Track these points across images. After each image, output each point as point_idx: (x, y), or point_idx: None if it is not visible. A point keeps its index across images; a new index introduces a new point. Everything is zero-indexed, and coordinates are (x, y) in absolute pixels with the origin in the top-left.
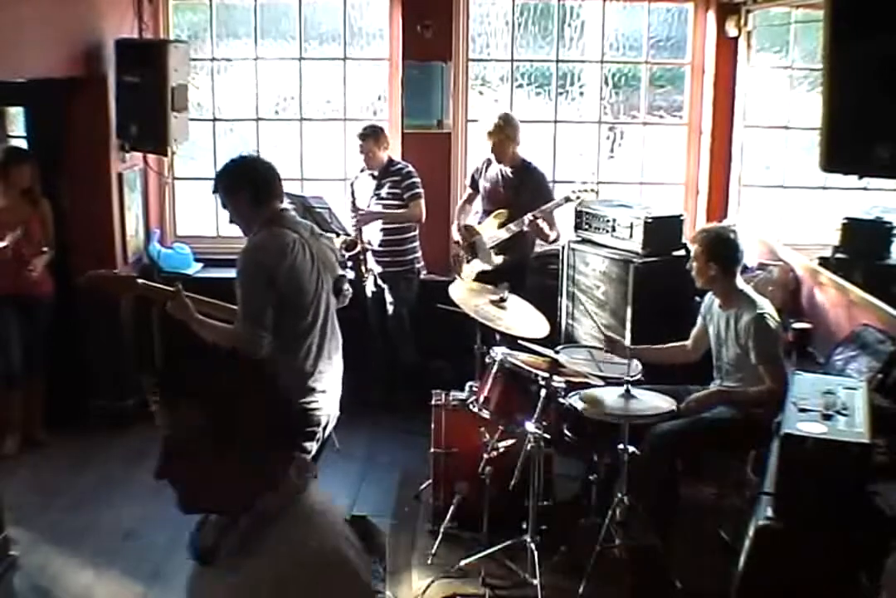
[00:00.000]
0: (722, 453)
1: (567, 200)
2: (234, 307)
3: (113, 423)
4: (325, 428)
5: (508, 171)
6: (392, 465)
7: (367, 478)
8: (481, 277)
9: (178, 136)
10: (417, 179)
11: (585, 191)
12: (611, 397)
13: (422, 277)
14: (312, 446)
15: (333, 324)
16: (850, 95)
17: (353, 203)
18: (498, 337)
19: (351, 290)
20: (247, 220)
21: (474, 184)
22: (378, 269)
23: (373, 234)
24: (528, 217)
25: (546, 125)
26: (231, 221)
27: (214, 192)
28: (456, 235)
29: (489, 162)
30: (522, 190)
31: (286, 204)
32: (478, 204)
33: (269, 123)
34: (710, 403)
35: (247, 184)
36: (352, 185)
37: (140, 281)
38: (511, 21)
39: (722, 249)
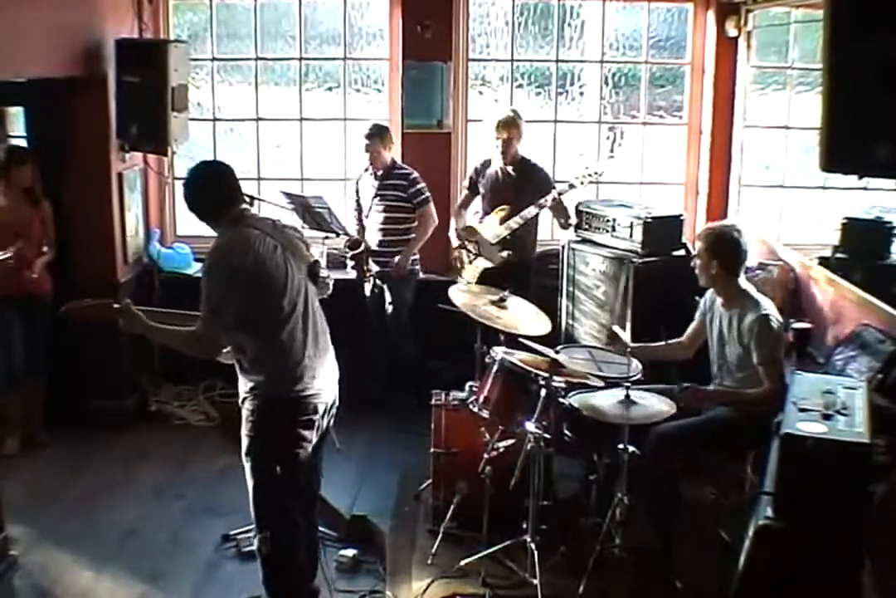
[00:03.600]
0: (722, 453)
1: (571, 186)
2: (193, 313)
3: (113, 423)
4: (322, 415)
5: (509, 169)
6: (392, 465)
7: (367, 478)
8: (485, 277)
9: (178, 136)
10: (424, 185)
11: (590, 175)
12: (610, 402)
13: (420, 276)
14: (312, 435)
15: (315, 311)
16: (850, 95)
17: (358, 202)
18: (502, 337)
19: (332, 277)
20: (212, 222)
21: (473, 186)
22: (377, 268)
23: (372, 234)
24: (550, 196)
25: (546, 125)
26: (201, 220)
27: (184, 197)
28: (455, 240)
29: (487, 163)
30: (524, 186)
31: (282, 202)
32: (477, 205)
33: (269, 123)
34: (709, 399)
35: (207, 191)
36: (357, 183)
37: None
38: (511, 21)
39: (725, 247)
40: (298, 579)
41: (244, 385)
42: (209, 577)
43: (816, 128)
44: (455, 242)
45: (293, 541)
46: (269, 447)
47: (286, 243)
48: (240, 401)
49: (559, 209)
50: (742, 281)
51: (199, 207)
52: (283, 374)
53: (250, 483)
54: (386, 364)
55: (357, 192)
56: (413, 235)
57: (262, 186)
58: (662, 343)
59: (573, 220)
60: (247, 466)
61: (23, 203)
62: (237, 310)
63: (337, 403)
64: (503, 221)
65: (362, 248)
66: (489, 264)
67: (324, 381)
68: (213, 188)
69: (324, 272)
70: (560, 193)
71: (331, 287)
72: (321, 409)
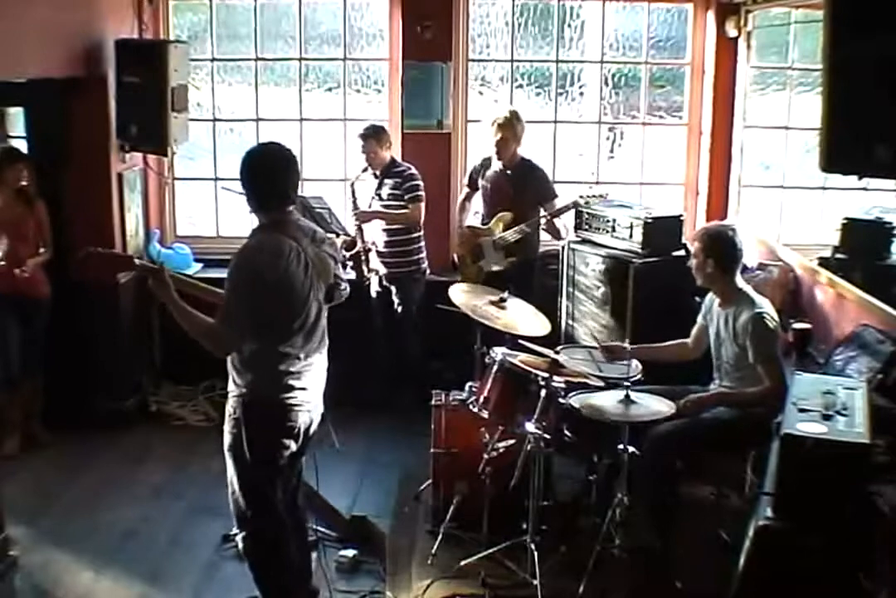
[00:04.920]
0: (722, 453)
1: (575, 205)
2: (221, 291)
3: (113, 423)
4: (307, 427)
5: (509, 169)
6: (392, 465)
7: (367, 478)
8: (489, 278)
9: (178, 136)
10: (419, 182)
11: (594, 196)
12: (610, 402)
13: (427, 275)
14: (292, 443)
15: (320, 327)
16: (850, 95)
17: (354, 203)
18: (507, 337)
19: (348, 289)
20: (251, 207)
21: (472, 183)
22: (384, 270)
23: (377, 235)
24: (543, 219)
25: (546, 125)
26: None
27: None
28: (459, 237)
29: (488, 162)
30: (524, 188)
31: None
32: (477, 203)
33: (269, 123)
34: (708, 403)
35: (261, 180)
36: (352, 185)
37: (139, 262)
38: (511, 21)
39: (721, 246)
40: (290, 578)
41: (233, 381)
42: (209, 577)
43: (816, 128)
44: (460, 236)
45: (277, 538)
46: (248, 447)
47: (317, 262)
48: (228, 391)
49: (551, 230)
50: (738, 280)
51: (244, 186)
52: (272, 379)
53: (233, 480)
54: (390, 365)
55: (353, 193)
56: (417, 234)
57: None
58: (664, 344)
59: (565, 238)
60: (229, 462)
61: (17, 204)
62: (250, 314)
63: (321, 412)
64: (507, 227)
65: (358, 248)
66: (493, 268)
67: (311, 394)
68: (263, 182)
69: (343, 284)
70: (552, 217)
71: (343, 297)
72: (304, 419)
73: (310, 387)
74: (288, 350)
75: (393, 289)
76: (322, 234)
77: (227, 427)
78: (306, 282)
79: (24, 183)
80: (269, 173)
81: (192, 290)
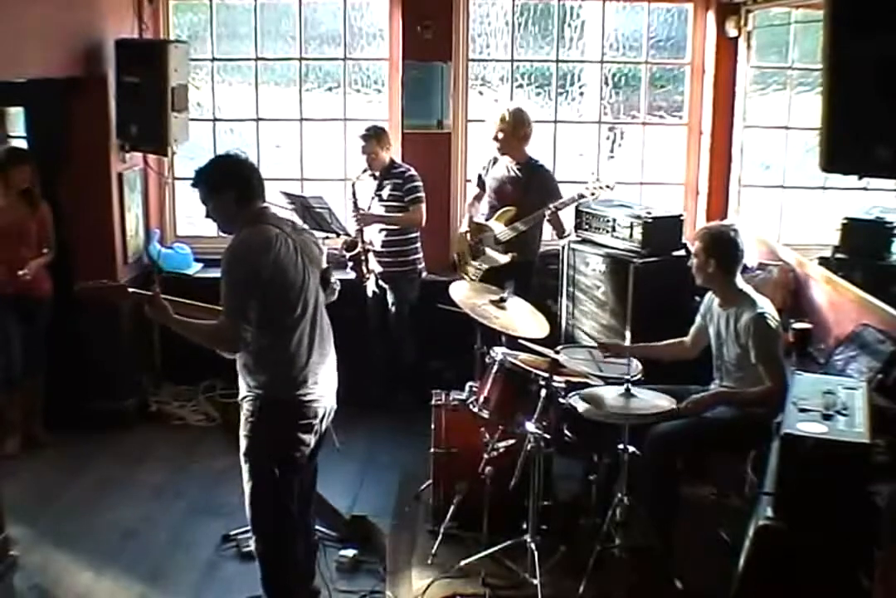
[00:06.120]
0: (722, 453)
1: (581, 196)
2: (216, 307)
3: (113, 423)
4: (321, 420)
5: (516, 168)
6: (392, 465)
7: (367, 478)
8: (488, 276)
9: (178, 136)
10: (419, 183)
11: (600, 188)
12: (611, 395)
13: (423, 277)
14: (310, 439)
15: (323, 316)
16: (850, 95)
17: (355, 204)
18: (503, 339)
19: (339, 283)
20: (228, 218)
21: (480, 183)
22: (380, 269)
23: (375, 235)
24: (548, 210)
25: (546, 125)
26: (207, 217)
27: (194, 186)
28: (464, 227)
29: (495, 160)
30: (530, 188)
31: (282, 202)
32: (483, 202)
33: (269, 123)
34: (709, 403)
35: (234, 184)
36: (353, 185)
37: (131, 290)
38: (511, 21)
39: (722, 246)
40: (296, 579)
41: (246, 385)
42: (209, 577)
43: (816, 128)
44: (463, 228)
45: (290, 542)
46: (268, 449)
47: (303, 247)
48: (240, 399)
49: (555, 222)
50: (739, 280)
51: (225, 194)
52: (287, 376)
53: (248, 485)
54: (386, 364)
55: (354, 193)
56: (414, 235)
57: None
58: (661, 343)
59: (568, 233)
60: (244, 467)
61: (21, 205)
62: (256, 305)
63: (335, 408)
64: (509, 222)
65: (359, 249)
66: (492, 264)
67: (325, 387)
68: (244, 177)
69: (332, 278)
70: (557, 209)
71: (337, 293)
72: (321, 413)
73: (322, 380)
74: (298, 340)
75: (388, 289)
76: (300, 224)
77: (244, 431)
78: (299, 264)
79: (28, 184)
80: (237, 167)
81: (188, 311)
